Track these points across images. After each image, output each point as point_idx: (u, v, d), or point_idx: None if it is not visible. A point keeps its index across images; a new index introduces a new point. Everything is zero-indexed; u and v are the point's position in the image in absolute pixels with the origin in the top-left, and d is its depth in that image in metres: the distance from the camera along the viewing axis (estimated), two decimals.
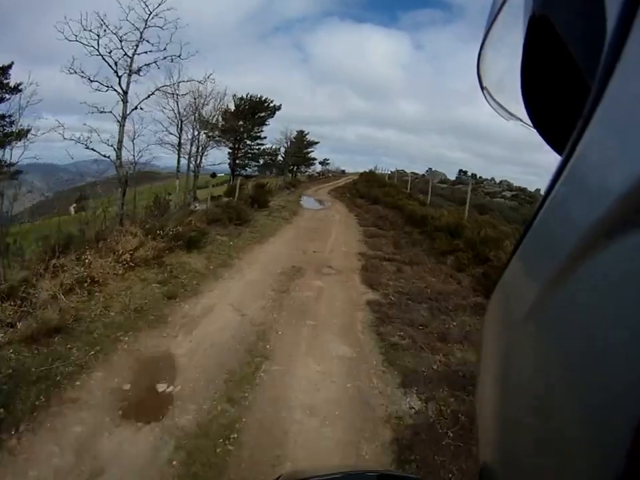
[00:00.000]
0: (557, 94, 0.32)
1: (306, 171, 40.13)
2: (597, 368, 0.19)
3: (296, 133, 36.44)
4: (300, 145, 36.37)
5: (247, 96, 27.92)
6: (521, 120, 0.37)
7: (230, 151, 26.90)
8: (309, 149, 37.97)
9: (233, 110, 25.57)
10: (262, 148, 29.93)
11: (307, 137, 37.51)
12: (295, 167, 37.58)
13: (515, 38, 0.32)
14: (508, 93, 0.37)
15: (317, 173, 48.34)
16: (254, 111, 28.24)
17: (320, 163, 52.31)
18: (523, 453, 0.26)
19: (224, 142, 25.41)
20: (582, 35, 0.25)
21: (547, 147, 0.33)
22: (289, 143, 33.73)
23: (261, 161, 29.48)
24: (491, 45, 0.35)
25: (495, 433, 0.31)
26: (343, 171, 57.00)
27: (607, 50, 0.20)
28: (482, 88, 0.40)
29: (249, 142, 29.32)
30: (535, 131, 0.35)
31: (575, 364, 0.21)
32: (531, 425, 0.25)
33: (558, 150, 0.31)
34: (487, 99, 0.40)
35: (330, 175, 49.91)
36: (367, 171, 44.95)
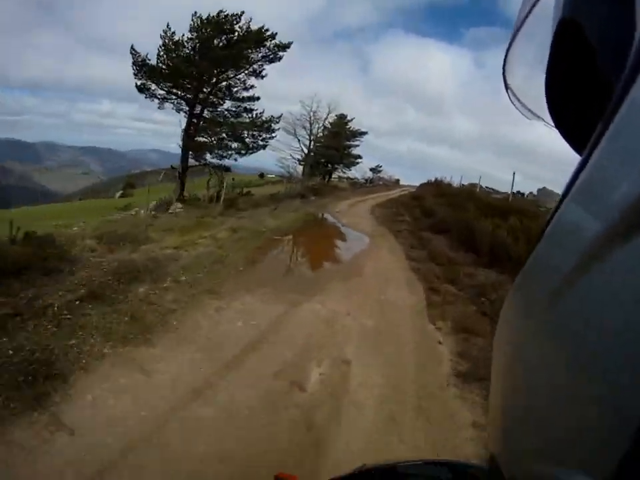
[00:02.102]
0: (580, 96, 0.32)
1: (346, 176, 29.14)
2: (608, 364, 0.19)
3: (334, 116, 25.90)
4: (339, 135, 25.75)
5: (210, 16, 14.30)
6: (544, 120, 0.37)
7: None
8: (352, 141, 27.23)
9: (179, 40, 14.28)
10: (253, 115, 16.64)
11: (349, 124, 26.84)
12: (330, 166, 27.01)
13: (543, 40, 0.32)
14: (532, 93, 0.37)
15: (365, 179, 37.88)
16: (228, 40, 14.80)
17: (371, 169, 42.31)
18: (532, 446, 0.26)
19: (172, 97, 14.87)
20: (609, 40, 0.26)
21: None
22: (317, 128, 23.24)
23: (258, 142, 16.71)
24: (519, 46, 0.36)
25: (506, 426, 0.31)
26: (397, 181, 46.04)
27: (633, 56, 0.20)
28: (506, 87, 0.40)
29: (224, 103, 16.55)
30: (556, 130, 0.35)
31: (588, 359, 0.21)
32: (543, 419, 0.25)
33: (578, 150, 0.31)
34: (510, 98, 0.40)
35: (381, 182, 39.17)
36: (431, 180, 33.21)
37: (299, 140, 21.59)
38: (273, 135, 16.49)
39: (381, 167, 44.62)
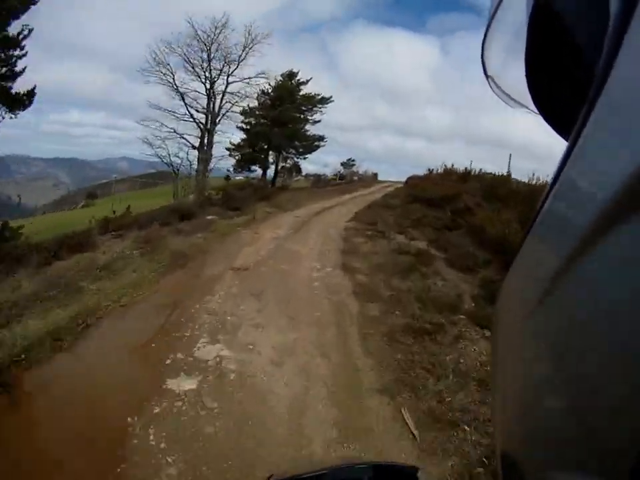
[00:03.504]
0: (562, 80, 0.32)
1: (297, 178, 19.54)
2: (611, 351, 0.19)
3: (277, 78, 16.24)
4: (283, 103, 15.96)
5: None
6: (527, 107, 0.36)
7: None
8: (309, 114, 17.40)
9: None
10: None
11: (302, 85, 17.01)
12: (276, 154, 17.24)
13: (519, 26, 0.32)
14: (512, 81, 0.36)
15: (335, 175, 28.46)
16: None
17: (343, 163, 32.97)
18: (543, 441, 0.26)
19: None
20: (585, 21, 0.26)
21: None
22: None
23: None
24: (495, 33, 0.35)
25: (516, 423, 0.30)
26: (375, 175, 36.67)
27: (610, 36, 0.20)
28: (486, 76, 0.40)
29: None
30: (540, 116, 0.35)
31: (591, 347, 0.20)
32: (552, 414, 0.25)
33: (564, 135, 0.31)
34: (491, 87, 0.40)
35: (356, 178, 29.69)
36: (433, 170, 24.29)
37: (185, 104, 11.61)
38: None
39: (353, 160, 35.35)
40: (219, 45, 12.17)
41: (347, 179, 28.68)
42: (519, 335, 0.30)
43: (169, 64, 11.98)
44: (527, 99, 0.34)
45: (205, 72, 12.18)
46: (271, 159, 17.39)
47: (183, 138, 11.75)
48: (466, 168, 13.43)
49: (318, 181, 24.87)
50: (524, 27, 0.31)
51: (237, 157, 17.23)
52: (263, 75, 12.55)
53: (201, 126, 11.55)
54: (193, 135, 11.91)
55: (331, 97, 16.91)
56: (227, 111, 12.34)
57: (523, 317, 0.29)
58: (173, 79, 12.00)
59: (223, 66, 12.43)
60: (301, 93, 17.06)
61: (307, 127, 17.18)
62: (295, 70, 17.06)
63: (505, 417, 0.32)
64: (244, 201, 11.38)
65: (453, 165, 19.06)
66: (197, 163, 11.17)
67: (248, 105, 16.02)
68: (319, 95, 16.85)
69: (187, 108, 11.92)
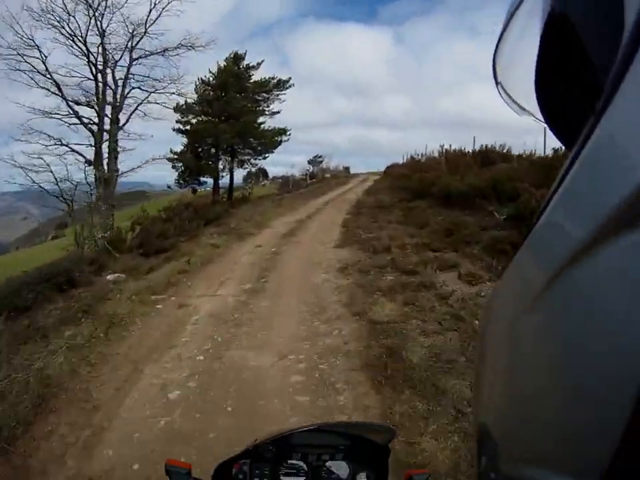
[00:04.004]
0: (570, 91, 0.32)
1: (267, 178, 16.53)
2: (599, 352, 0.20)
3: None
4: (232, 90, 12.05)
5: None
6: (533, 115, 0.37)
7: None
8: (264, 102, 13.55)
9: None
10: None
11: (252, 70, 13.14)
12: (234, 156, 13.40)
13: (532, 34, 0.32)
14: (521, 88, 0.37)
15: (305, 175, 25.01)
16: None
17: (310, 161, 29.64)
18: (523, 422, 0.27)
19: None
20: (599, 34, 0.25)
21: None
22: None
23: None
24: (508, 40, 0.35)
25: (496, 398, 0.32)
26: (347, 169, 33.44)
27: (623, 49, 0.20)
28: (497, 83, 0.40)
29: None
30: (546, 126, 0.35)
31: (579, 345, 0.21)
32: (532, 397, 0.26)
33: (568, 146, 0.31)
34: (500, 94, 0.40)
35: (328, 175, 26.29)
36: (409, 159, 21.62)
37: (62, 96, 7.73)
38: None
39: (321, 157, 31.94)
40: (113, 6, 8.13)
41: (319, 178, 25.17)
42: (508, 334, 0.31)
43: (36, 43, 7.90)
44: (535, 107, 0.34)
45: (89, 49, 8.11)
46: (223, 165, 13.51)
47: (72, 150, 7.71)
48: (485, 146, 10.00)
49: (286, 184, 21.19)
50: (537, 35, 0.31)
51: (179, 169, 13.28)
52: (187, 43, 8.62)
53: (94, 128, 7.58)
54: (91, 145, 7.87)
55: (290, 79, 13.25)
56: (139, 105, 8.46)
57: (513, 317, 0.30)
58: (43, 61, 7.92)
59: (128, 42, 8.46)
60: (252, 80, 13.30)
61: (264, 120, 13.41)
62: (240, 52, 13.28)
63: (486, 407, 0.34)
64: (181, 230, 7.59)
65: (429, 151, 16.17)
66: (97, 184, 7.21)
67: (185, 101, 12.11)
68: (273, 78, 13.16)
69: (66, 103, 7.87)
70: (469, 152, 12.49)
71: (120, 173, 7.61)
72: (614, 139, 0.21)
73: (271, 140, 13.06)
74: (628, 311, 0.18)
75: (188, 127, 12.44)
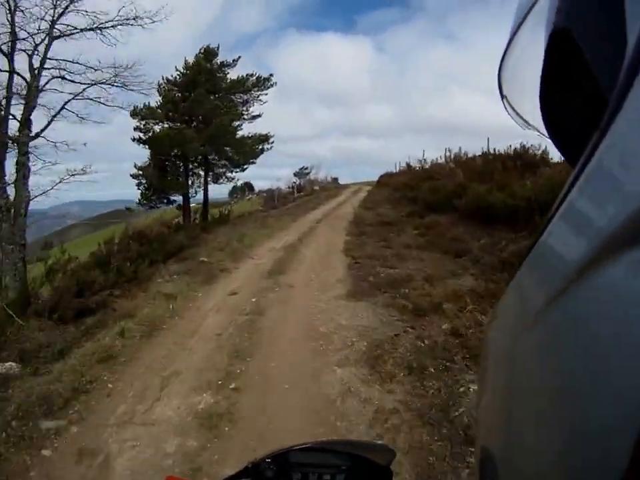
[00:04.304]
0: (574, 106, 0.32)
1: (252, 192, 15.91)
2: (600, 372, 0.19)
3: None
4: (198, 87, 9.72)
5: None
6: (538, 130, 0.37)
7: None
8: (244, 104, 11.33)
9: None
10: None
11: (228, 67, 10.93)
12: (209, 169, 11.10)
13: (536, 49, 0.32)
14: (526, 103, 0.37)
15: (292, 187, 23.04)
16: None
17: (295, 173, 27.92)
18: (524, 444, 0.27)
19: None
20: (603, 50, 0.26)
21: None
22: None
23: None
24: (513, 54, 0.36)
25: (498, 422, 0.32)
26: (336, 180, 31.69)
27: (627, 65, 0.20)
28: (502, 96, 0.40)
29: None
30: (550, 141, 0.36)
31: (580, 366, 0.21)
32: (531, 420, 0.26)
33: (571, 161, 0.31)
34: (505, 108, 0.40)
35: (316, 188, 24.27)
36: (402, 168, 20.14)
37: None
38: None
39: (307, 168, 30.01)
40: None
41: (307, 190, 23.08)
42: (506, 355, 0.31)
43: None
44: (539, 122, 0.34)
45: None
46: (192, 180, 11.21)
47: None
48: (523, 147, 7.95)
49: (271, 199, 19.01)
50: (541, 51, 0.31)
51: (142, 187, 10.97)
52: (129, 17, 6.33)
53: None
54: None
55: (271, 76, 11.14)
56: (67, 102, 6.13)
57: (512, 337, 0.30)
58: None
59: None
60: (228, 79, 11.15)
61: (242, 125, 11.23)
62: (212, 46, 11.14)
63: (487, 430, 0.34)
64: (119, 277, 5.31)
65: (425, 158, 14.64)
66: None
67: (145, 103, 9.85)
68: (252, 75, 11.03)
69: None
70: (487, 154, 10.52)
71: (30, 196, 5.23)
72: (618, 154, 0.21)
73: (251, 148, 10.84)
74: (631, 331, 0.17)
75: (149, 136, 10.15)
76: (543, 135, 0.36)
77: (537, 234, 0.28)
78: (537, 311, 0.25)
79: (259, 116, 11.44)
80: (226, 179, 11.62)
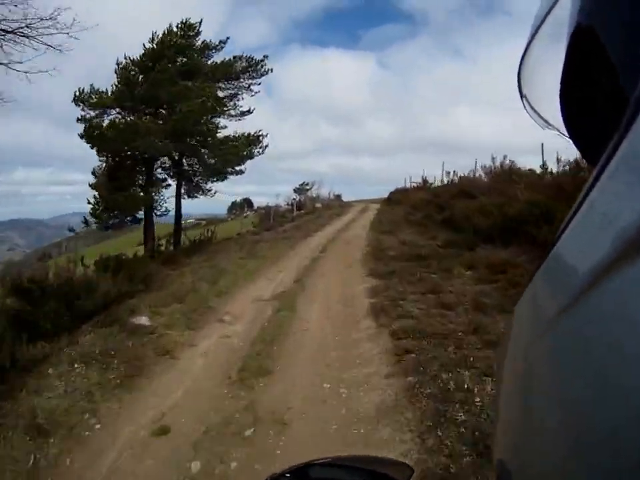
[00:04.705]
0: (596, 106, 0.32)
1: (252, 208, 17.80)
2: (616, 380, 0.19)
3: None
4: (165, 68, 6.99)
5: None
6: (558, 130, 0.37)
7: None
8: (230, 98, 8.67)
9: None
10: None
11: (213, 51, 8.24)
12: (182, 178, 8.35)
13: (557, 47, 0.32)
14: (546, 102, 0.36)
15: (291, 204, 20.58)
16: None
17: (296, 189, 25.77)
18: (539, 456, 0.27)
19: None
20: (625, 48, 0.25)
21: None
22: None
23: None
24: (534, 52, 0.35)
25: (511, 434, 0.32)
26: (340, 197, 29.28)
27: None
28: (521, 95, 0.40)
29: None
30: (570, 141, 0.35)
31: (594, 375, 0.21)
32: (550, 431, 0.25)
33: (591, 162, 0.31)
34: (525, 107, 0.40)
35: (318, 205, 21.63)
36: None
37: None
38: None
39: (307, 184, 27.63)
40: None
41: (308, 208, 20.38)
42: (520, 365, 0.31)
43: None
44: (559, 122, 0.34)
45: None
46: (155, 191, 8.44)
47: None
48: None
49: (267, 216, 16.27)
50: (563, 48, 0.31)
51: (94, 202, 8.19)
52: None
53: None
54: None
55: (266, 58, 8.56)
56: None
57: (526, 345, 0.30)
58: None
59: None
60: (209, 59, 8.54)
61: (229, 126, 8.58)
62: (193, 21, 8.56)
63: (502, 443, 0.34)
64: None
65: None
66: None
67: (96, 88, 7.21)
68: (241, 57, 8.43)
69: None
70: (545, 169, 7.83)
71: None
72: (638, 156, 0.20)
73: (235, 151, 8.10)
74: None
75: (98, 130, 7.43)
76: (563, 134, 0.35)
77: (555, 237, 0.27)
78: (550, 319, 0.25)
79: (248, 112, 8.78)
80: (201, 192, 8.83)
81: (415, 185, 22.00)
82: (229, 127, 9.34)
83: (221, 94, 8.63)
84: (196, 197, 8.71)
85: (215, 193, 8.82)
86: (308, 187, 27.84)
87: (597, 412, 0.20)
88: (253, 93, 8.64)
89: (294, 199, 22.70)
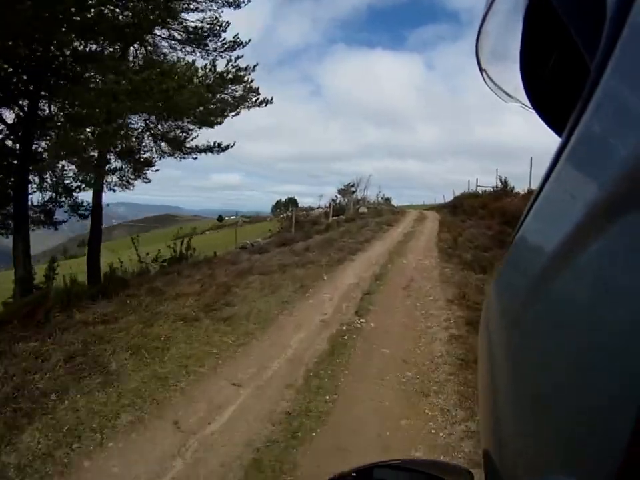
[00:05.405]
0: (557, 75, 0.32)
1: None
2: (597, 355, 0.19)
3: None
4: None
5: None
6: (520, 102, 0.37)
7: None
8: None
9: None
10: None
11: None
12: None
13: (515, 19, 0.32)
14: (507, 75, 0.37)
15: (326, 208, 16.30)
16: None
17: (340, 191, 21.87)
18: (517, 442, 0.27)
19: None
20: (582, 16, 0.26)
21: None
22: None
23: None
24: (490, 26, 0.35)
25: (494, 423, 0.32)
26: (389, 202, 25.05)
27: (607, 31, 0.21)
28: (481, 70, 0.39)
29: None
30: (534, 112, 0.35)
31: (573, 352, 0.21)
32: (528, 416, 0.25)
33: (558, 131, 0.31)
34: (485, 81, 0.40)
35: (364, 210, 17.10)
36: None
37: None
38: None
39: (354, 185, 23.11)
40: None
41: (349, 214, 15.95)
42: (500, 342, 0.30)
43: None
44: (522, 93, 0.34)
45: None
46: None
47: None
48: None
49: (289, 226, 12.04)
50: (520, 20, 0.31)
51: None
52: None
53: None
54: None
55: None
56: None
57: (505, 322, 0.29)
58: None
59: None
60: None
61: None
62: None
63: (486, 432, 0.34)
64: None
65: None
66: None
67: None
68: None
69: None
70: None
71: None
72: (603, 121, 0.20)
73: (191, 96, 3.97)
74: (613, 309, 0.17)
75: None
76: (527, 106, 0.35)
77: (528, 206, 0.27)
78: (521, 301, 0.25)
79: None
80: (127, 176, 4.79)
81: (486, 189, 16.99)
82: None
83: None
84: (123, 183, 4.78)
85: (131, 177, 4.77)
86: (353, 188, 23.43)
87: (578, 395, 0.19)
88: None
89: (333, 199, 18.45)
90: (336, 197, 19.14)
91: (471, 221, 11.92)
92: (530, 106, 0.35)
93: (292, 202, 28.82)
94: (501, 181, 13.82)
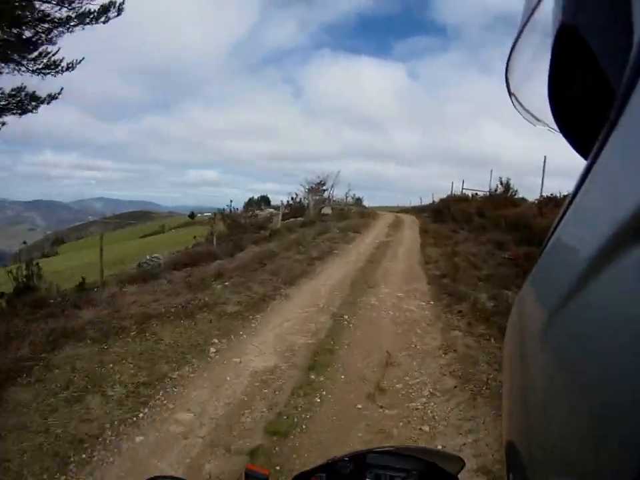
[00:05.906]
0: (584, 100, 0.33)
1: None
2: (616, 365, 0.19)
3: None
4: None
5: None
6: (548, 125, 0.37)
7: None
8: None
9: None
10: None
11: None
12: None
13: (544, 44, 0.33)
14: (535, 99, 0.37)
15: (284, 207, 12.79)
16: None
17: (309, 189, 18.12)
18: (545, 439, 0.27)
19: None
20: (609, 44, 0.26)
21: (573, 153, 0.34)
22: None
23: None
24: (520, 50, 0.36)
25: (522, 417, 0.32)
26: (359, 202, 22.25)
27: (634, 58, 0.21)
28: (510, 93, 0.41)
29: None
30: (561, 135, 0.36)
31: (597, 360, 0.21)
32: (555, 414, 0.25)
33: (583, 155, 0.31)
34: (514, 104, 0.40)
35: (327, 212, 13.84)
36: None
37: None
38: None
39: (324, 184, 20.03)
40: None
41: (309, 216, 12.78)
42: (531, 345, 0.31)
43: None
44: (549, 117, 0.35)
45: None
46: None
47: None
48: None
49: (237, 228, 8.78)
50: (549, 46, 0.31)
51: None
52: None
53: None
54: None
55: None
56: None
57: (529, 334, 0.30)
58: None
59: None
60: None
61: None
62: None
63: (511, 424, 0.34)
64: None
65: None
66: None
67: None
68: None
69: None
70: None
71: None
72: (629, 146, 0.21)
73: None
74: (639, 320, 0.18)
75: None
76: (553, 129, 0.36)
77: (550, 232, 0.28)
78: (552, 308, 0.26)
79: None
80: None
81: (477, 193, 14.31)
82: None
83: None
84: None
85: None
86: (324, 187, 20.36)
87: (600, 397, 0.20)
88: None
89: (292, 197, 15.33)
90: (296, 194, 15.93)
91: (465, 232, 9.14)
92: (557, 129, 0.35)
93: (264, 200, 26.02)
94: (501, 184, 11.01)
